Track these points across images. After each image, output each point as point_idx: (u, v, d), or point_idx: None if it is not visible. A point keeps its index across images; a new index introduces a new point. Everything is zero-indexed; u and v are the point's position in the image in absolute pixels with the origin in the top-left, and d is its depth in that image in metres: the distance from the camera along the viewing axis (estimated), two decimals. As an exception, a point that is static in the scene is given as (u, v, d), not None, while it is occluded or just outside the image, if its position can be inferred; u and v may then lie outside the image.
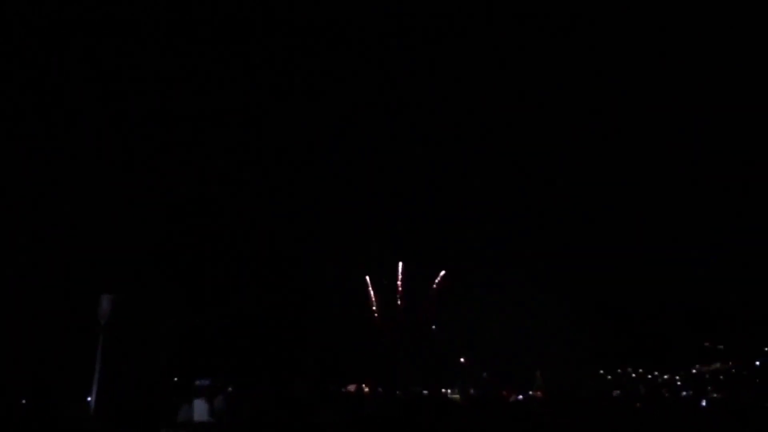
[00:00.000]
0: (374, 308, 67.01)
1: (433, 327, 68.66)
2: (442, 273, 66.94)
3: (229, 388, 32.31)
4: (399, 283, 67.94)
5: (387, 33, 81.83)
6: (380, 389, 32.60)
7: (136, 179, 30.28)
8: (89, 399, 16.06)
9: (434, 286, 67.10)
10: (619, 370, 75.76)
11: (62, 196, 23.58)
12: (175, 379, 29.35)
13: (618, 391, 57.35)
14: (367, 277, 66.13)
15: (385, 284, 63.79)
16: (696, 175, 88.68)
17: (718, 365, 72.93)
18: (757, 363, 69.83)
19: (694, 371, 72.12)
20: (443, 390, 53.49)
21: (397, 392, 42.87)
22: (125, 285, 22.47)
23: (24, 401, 21.67)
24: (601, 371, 72.57)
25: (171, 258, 28.52)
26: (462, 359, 64.49)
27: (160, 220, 29.33)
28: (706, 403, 27.41)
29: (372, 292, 66.80)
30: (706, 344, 70.80)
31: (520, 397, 34.28)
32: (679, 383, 70.97)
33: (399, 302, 69.05)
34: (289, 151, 73.42)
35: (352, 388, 41.53)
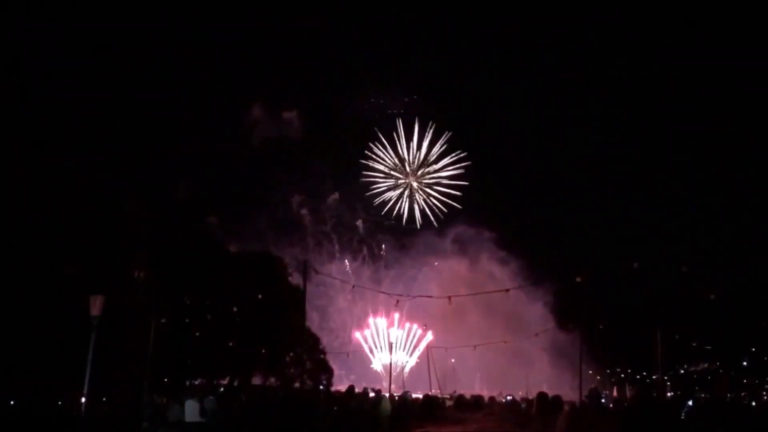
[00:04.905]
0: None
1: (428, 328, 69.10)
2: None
3: (221, 389, 32.38)
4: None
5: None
6: (371, 389, 32.68)
7: (128, 180, 30.27)
8: (82, 399, 16.04)
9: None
10: (608, 371, 76.18)
11: (54, 196, 23.53)
12: (166, 379, 29.34)
13: (605, 392, 57.69)
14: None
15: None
16: (687, 175, 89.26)
17: (705, 365, 73.56)
18: (745, 363, 70.50)
19: (682, 371, 72.69)
20: (434, 391, 53.56)
21: (390, 394, 42.91)
22: (117, 285, 22.49)
23: (12, 402, 21.60)
24: (590, 371, 72.93)
25: (161, 259, 28.52)
26: (453, 360, 64.81)
27: (151, 221, 29.34)
28: (693, 403, 27.63)
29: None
30: (694, 344, 71.44)
31: (509, 397, 34.50)
32: (668, 383, 71.48)
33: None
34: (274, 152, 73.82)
35: (343, 388, 41.58)
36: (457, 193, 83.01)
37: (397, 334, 72.71)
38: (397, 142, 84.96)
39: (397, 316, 73.10)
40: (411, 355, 72.64)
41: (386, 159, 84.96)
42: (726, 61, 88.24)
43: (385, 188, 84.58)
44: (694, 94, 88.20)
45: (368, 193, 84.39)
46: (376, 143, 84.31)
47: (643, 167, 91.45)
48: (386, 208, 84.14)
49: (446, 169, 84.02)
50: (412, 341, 72.79)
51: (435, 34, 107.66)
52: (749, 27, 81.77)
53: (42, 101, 29.45)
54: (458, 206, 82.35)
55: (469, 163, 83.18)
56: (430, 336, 69.70)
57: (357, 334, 74.74)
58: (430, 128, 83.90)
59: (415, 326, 72.37)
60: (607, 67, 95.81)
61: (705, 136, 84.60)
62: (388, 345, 71.11)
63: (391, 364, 54.20)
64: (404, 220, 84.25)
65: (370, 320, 74.85)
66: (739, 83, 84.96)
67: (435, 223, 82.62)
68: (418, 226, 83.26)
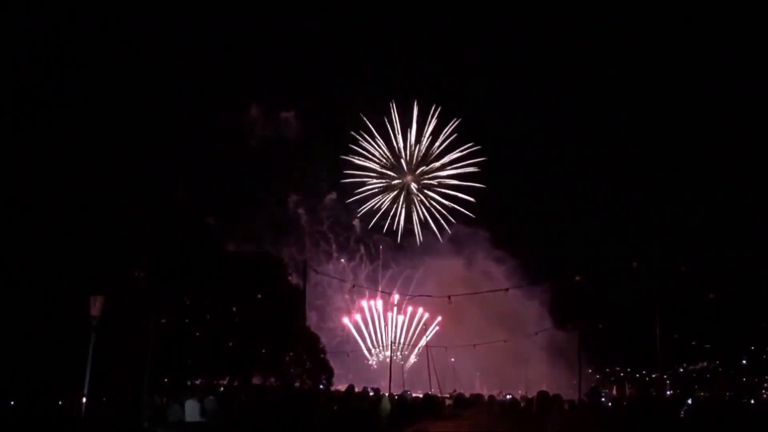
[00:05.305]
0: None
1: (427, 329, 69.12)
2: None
3: (221, 389, 32.38)
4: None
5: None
6: (371, 388, 32.82)
7: (128, 180, 30.29)
8: (83, 399, 16.07)
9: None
10: (607, 369, 76.29)
11: (54, 196, 23.56)
12: (166, 379, 29.32)
13: (605, 391, 57.82)
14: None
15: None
16: (687, 174, 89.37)
17: (705, 364, 73.62)
18: (744, 362, 70.58)
19: (681, 370, 72.76)
20: (433, 390, 53.66)
21: (390, 393, 42.95)
22: (116, 286, 22.49)
23: (12, 402, 21.62)
24: (590, 370, 73.06)
25: (161, 259, 28.51)
26: (452, 359, 64.83)
27: (151, 221, 29.33)
28: (692, 401, 27.75)
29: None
30: (693, 343, 71.46)
31: (509, 396, 34.62)
32: (668, 382, 71.57)
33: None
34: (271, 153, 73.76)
35: (342, 387, 41.60)
36: (470, 198, 74.89)
37: (397, 321, 71.98)
38: (391, 132, 76.21)
39: (396, 297, 72.57)
40: (412, 351, 72.08)
41: (378, 155, 76.88)
42: (727, 61, 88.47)
43: (376, 190, 77.16)
44: (694, 94, 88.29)
45: (351, 199, 77.21)
46: (362, 133, 76.25)
47: (642, 166, 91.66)
48: (377, 217, 77.21)
49: (453, 166, 75.68)
50: (414, 332, 72.09)
51: (437, 26, 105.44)
52: (748, 27, 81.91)
53: (41, 101, 29.44)
54: (471, 214, 74.98)
55: (485, 158, 74.97)
56: (437, 326, 69.29)
57: (345, 320, 72.88)
58: (434, 114, 75.56)
59: (420, 310, 70.62)
60: (606, 66, 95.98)
61: (705, 135, 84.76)
62: (385, 327, 71.02)
63: (391, 360, 54.01)
64: (400, 233, 77.04)
65: (363, 303, 72.39)
66: (740, 83, 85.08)
67: (439, 237, 76.24)
68: (418, 241, 76.70)
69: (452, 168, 75.90)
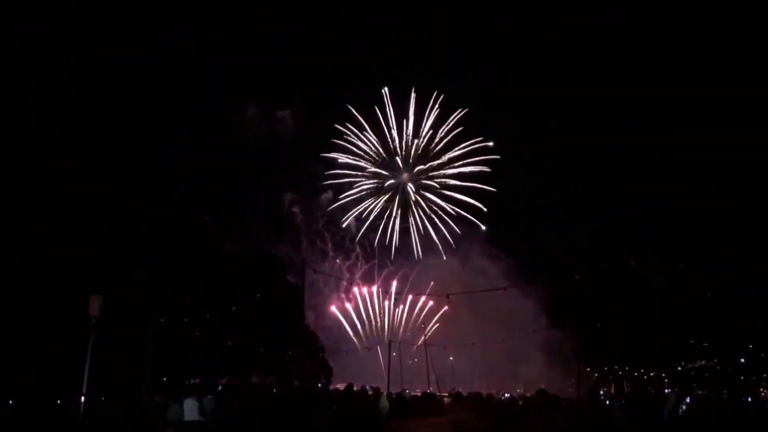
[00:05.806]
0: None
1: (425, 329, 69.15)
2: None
3: (219, 387, 32.49)
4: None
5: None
6: (369, 387, 32.91)
7: (127, 180, 30.38)
8: (82, 399, 16.13)
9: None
10: (605, 368, 76.33)
11: (54, 196, 23.64)
12: (165, 379, 29.44)
13: (604, 389, 57.95)
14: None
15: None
16: (686, 173, 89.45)
17: (703, 362, 73.72)
18: (742, 360, 70.68)
19: (679, 369, 72.87)
20: (431, 389, 53.79)
21: (388, 392, 43.01)
22: (115, 285, 22.57)
23: (12, 402, 21.69)
24: (588, 369, 73.17)
25: (161, 259, 28.61)
26: (451, 357, 64.90)
27: (150, 221, 29.42)
28: (690, 400, 27.81)
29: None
30: (691, 341, 71.55)
31: (507, 395, 34.76)
32: (666, 380, 71.75)
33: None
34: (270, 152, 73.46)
35: (341, 386, 41.75)
36: (477, 203, 69.81)
37: (395, 312, 71.18)
38: (384, 126, 70.30)
39: (395, 284, 71.52)
40: (411, 348, 71.70)
41: (372, 153, 71.60)
42: (727, 61, 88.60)
43: (370, 191, 72.34)
44: (694, 94, 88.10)
45: (337, 204, 72.74)
46: (351, 127, 70.72)
47: (640, 163, 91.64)
48: (369, 221, 72.93)
49: (453, 165, 70.37)
50: (414, 324, 71.26)
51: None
52: (748, 27, 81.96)
53: (41, 101, 29.51)
54: (480, 224, 70.29)
55: (497, 157, 69.10)
56: (437, 322, 68.83)
57: (333, 308, 71.48)
58: (434, 105, 69.45)
59: (422, 299, 68.47)
60: (606, 66, 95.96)
61: (705, 135, 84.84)
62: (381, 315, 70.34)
63: (389, 359, 53.99)
64: (395, 243, 72.72)
65: (355, 290, 70.74)
66: (740, 83, 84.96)
67: (440, 245, 71.65)
68: (417, 255, 72.65)
69: (452, 167, 71.23)
